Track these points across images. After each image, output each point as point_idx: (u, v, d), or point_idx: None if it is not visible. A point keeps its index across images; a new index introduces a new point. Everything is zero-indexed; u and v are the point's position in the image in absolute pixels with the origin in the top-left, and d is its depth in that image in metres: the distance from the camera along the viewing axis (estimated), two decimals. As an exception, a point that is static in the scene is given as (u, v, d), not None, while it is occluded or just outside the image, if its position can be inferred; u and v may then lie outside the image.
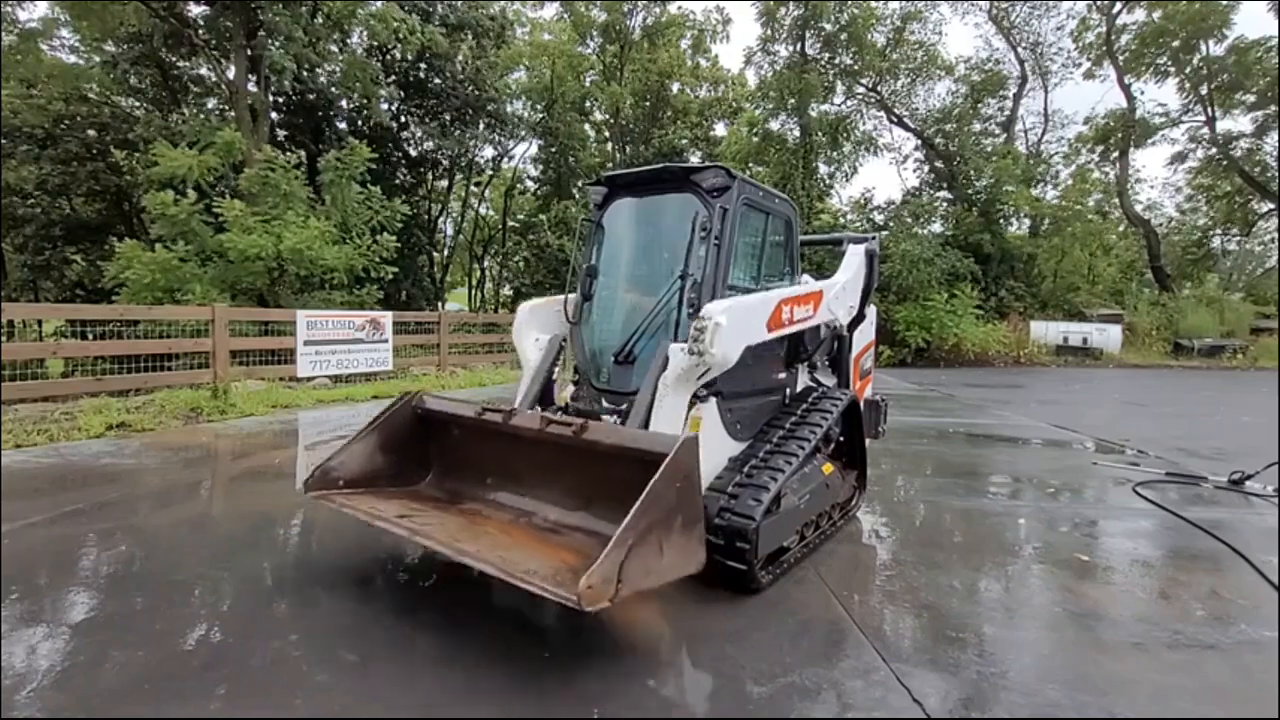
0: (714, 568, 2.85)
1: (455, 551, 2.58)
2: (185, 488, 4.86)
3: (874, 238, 4.65)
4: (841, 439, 4.11)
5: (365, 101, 17.92)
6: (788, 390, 4.09)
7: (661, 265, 3.65)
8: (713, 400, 3.38)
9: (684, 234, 3.47)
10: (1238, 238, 33.57)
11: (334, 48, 16.51)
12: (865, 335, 4.79)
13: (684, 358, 3.04)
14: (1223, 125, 27.66)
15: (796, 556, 3.45)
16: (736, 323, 3.11)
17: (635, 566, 2.18)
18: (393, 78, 19.33)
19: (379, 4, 15.14)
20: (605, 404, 3.59)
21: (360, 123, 20.27)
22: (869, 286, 4.49)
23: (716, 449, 3.34)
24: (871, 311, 4.78)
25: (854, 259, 4.36)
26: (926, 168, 28.49)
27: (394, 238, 12.97)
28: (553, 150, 26.97)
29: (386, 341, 10.83)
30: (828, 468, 3.80)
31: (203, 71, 18.58)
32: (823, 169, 26.74)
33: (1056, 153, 29.77)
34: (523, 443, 3.14)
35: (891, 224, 24.99)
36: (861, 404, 4.49)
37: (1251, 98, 25.76)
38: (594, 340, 3.78)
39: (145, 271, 10.68)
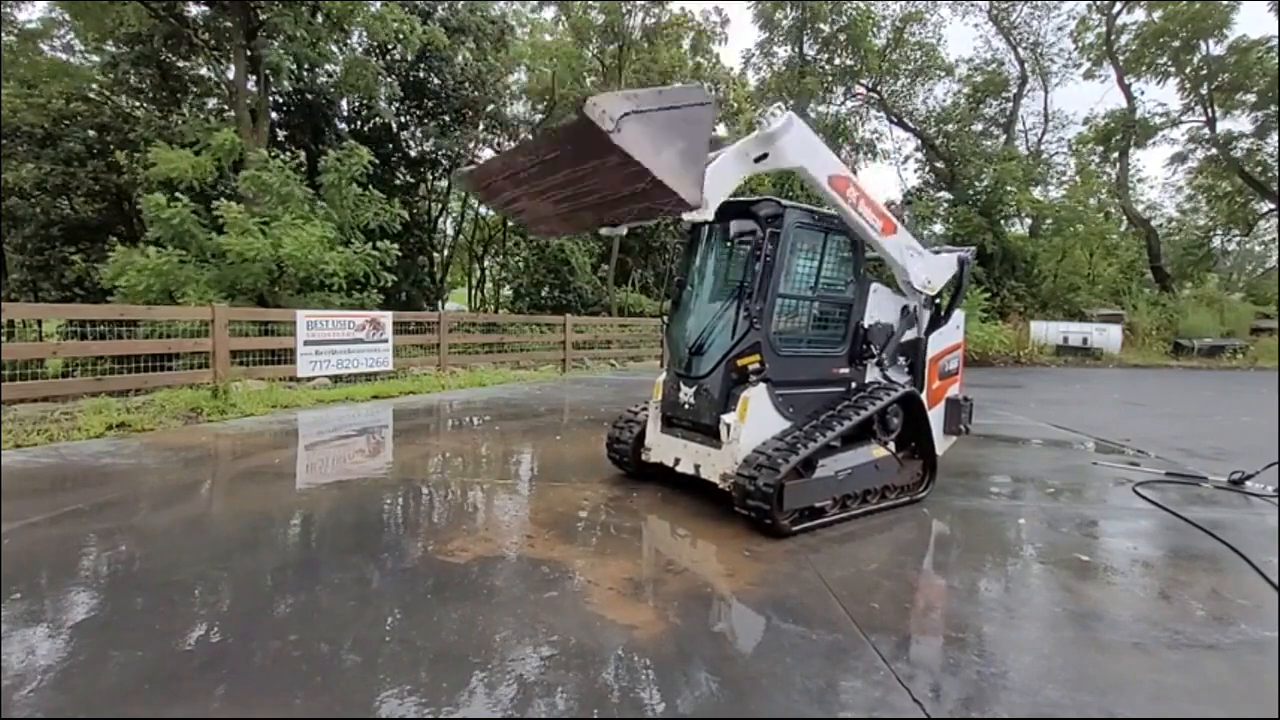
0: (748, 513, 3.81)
1: None
2: (185, 488, 4.85)
3: (969, 249, 5.14)
4: (904, 429, 4.56)
5: (365, 102, 17.87)
6: (853, 384, 4.57)
7: (727, 277, 4.53)
8: (762, 385, 4.07)
9: (744, 253, 4.29)
10: (1238, 238, 33.56)
11: (334, 48, 16.47)
12: (947, 338, 5.10)
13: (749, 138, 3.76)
14: (1223, 125, 27.65)
15: (837, 520, 4.11)
16: (800, 133, 3.80)
17: None
18: (392, 78, 19.29)
19: (379, 4, 15.11)
20: (683, 386, 4.41)
21: (360, 123, 20.22)
22: (957, 292, 5.04)
23: (765, 424, 4.08)
24: (959, 316, 5.18)
25: (946, 258, 4.92)
26: (927, 168, 28.48)
27: (394, 244, 12.92)
28: (553, 150, 26.89)
29: (386, 341, 10.81)
30: (878, 451, 4.33)
31: (203, 71, 18.54)
32: (823, 169, 26.66)
33: (1058, 152, 29.78)
34: None
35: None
36: (943, 402, 5.04)
37: (1252, 98, 25.73)
38: (679, 335, 4.62)
39: (139, 277, 10.66)
